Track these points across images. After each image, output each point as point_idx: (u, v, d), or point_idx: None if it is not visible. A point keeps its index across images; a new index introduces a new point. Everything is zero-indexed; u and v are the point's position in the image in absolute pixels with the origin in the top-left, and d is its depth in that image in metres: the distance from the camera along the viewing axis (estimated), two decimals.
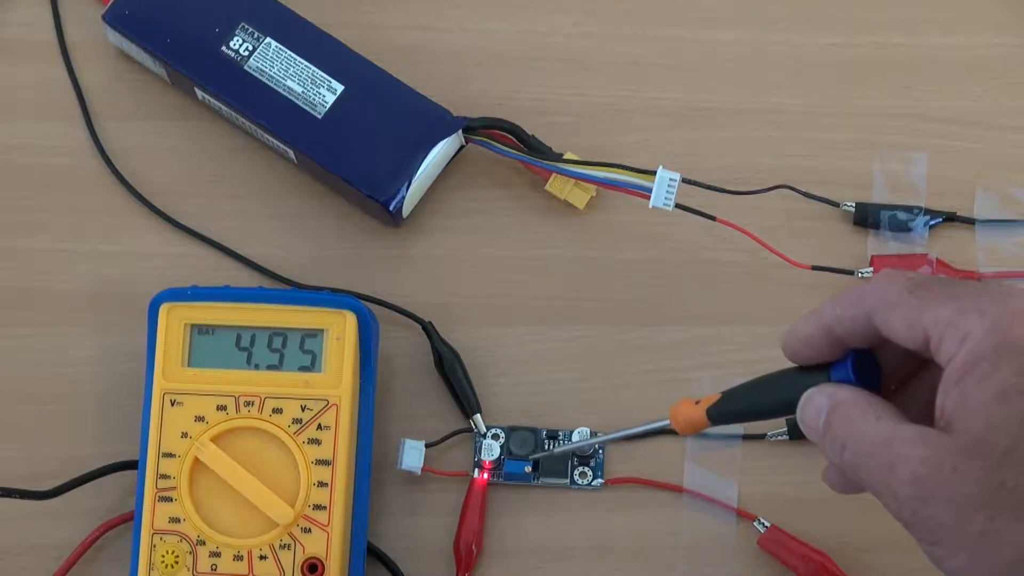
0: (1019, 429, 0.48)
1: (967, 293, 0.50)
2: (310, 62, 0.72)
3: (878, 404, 0.52)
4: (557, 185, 0.72)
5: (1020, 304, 0.49)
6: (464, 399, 0.71)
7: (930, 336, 0.50)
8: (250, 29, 0.73)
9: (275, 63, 0.72)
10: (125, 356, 0.71)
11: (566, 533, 0.70)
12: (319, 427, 0.67)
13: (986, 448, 0.48)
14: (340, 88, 0.72)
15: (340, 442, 0.67)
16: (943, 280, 0.52)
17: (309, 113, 0.72)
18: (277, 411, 0.67)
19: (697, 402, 0.59)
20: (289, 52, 0.72)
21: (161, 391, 0.67)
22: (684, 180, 0.69)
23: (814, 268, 0.71)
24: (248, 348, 0.68)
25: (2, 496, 0.67)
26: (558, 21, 0.76)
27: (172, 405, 0.67)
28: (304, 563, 0.66)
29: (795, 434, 0.69)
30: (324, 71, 0.72)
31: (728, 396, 0.58)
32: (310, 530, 0.66)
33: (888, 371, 0.55)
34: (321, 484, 0.66)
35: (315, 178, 0.74)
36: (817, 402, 0.53)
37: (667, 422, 0.60)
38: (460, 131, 0.72)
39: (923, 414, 0.52)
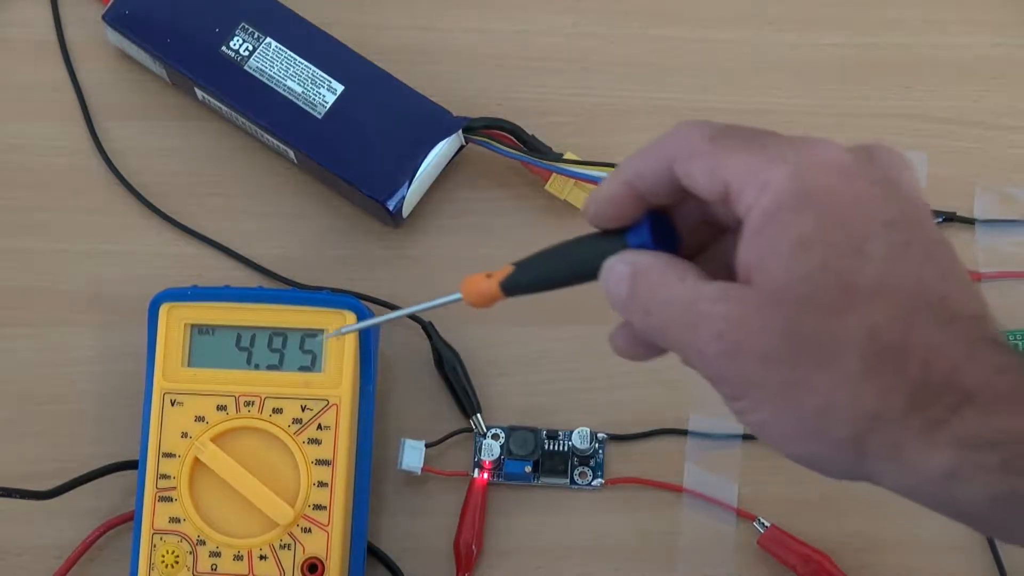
0: (819, 277, 0.47)
1: (769, 141, 0.49)
2: (310, 62, 0.72)
3: (679, 265, 0.50)
4: (557, 185, 0.72)
5: (822, 152, 0.48)
6: (464, 399, 0.71)
7: (730, 185, 0.48)
8: (250, 29, 0.73)
9: (275, 63, 0.72)
10: (125, 356, 0.71)
11: (566, 533, 0.70)
12: (319, 427, 0.67)
13: (787, 298, 0.47)
14: (340, 88, 0.72)
15: (340, 442, 0.67)
16: (744, 128, 0.50)
17: (309, 113, 0.72)
18: (277, 411, 0.67)
19: (489, 275, 0.55)
20: (289, 52, 0.72)
21: (161, 391, 0.67)
22: None
23: None
24: (248, 348, 0.68)
25: (2, 496, 0.67)
26: (558, 21, 0.76)
27: (172, 405, 0.67)
28: (304, 563, 0.66)
29: None
30: (324, 71, 0.72)
31: (522, 266, 0.55)
32: (310, 530, 0.66)
33: (688, 236, 0.53)
34: (321, 484, 0.66)
35: (315, 178, 0.74)
36: (619, 271, 0.51)
37: (458, 296, 0.56)
38: (460, 131, 0.72)
39: (727, 277, 0.50)
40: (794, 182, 0.47)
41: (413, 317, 0.71)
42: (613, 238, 0.52)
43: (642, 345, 0.53)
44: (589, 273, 0.53)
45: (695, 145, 0.50)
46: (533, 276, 0.54)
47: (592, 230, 0.53)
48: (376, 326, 0.66)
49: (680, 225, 0.53)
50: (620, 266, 0.51)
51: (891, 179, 0.49)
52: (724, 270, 0.50)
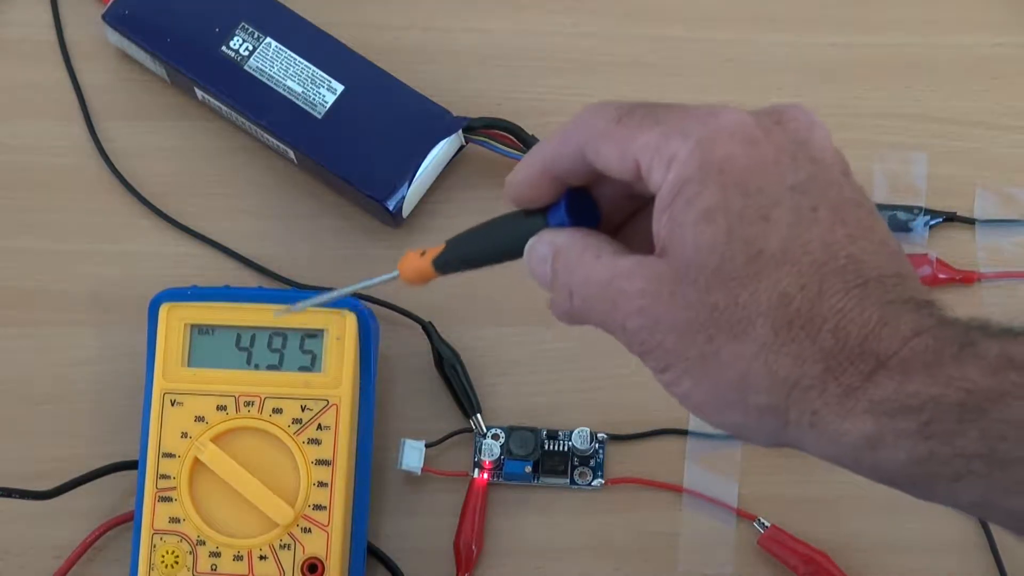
0: (726, 247, 0.47)
1: (672, 117, 0.49)
2: (310, 62, 0.72)
3: (596, 242, 0.51)
4: None
5: (722, 122, 0.48)
6: (464, 399, 0.71)
7: (640, 163, 0.49)
8: (250, 29, 0.73)
9: (275, 63, 0.72)
10: (125, 356, 0.71)
11: (566, 533, 0.70)
12: (319, 427, 0.67)
13: (696, 269, 0.47)
14: (340, 88, 0.72)
15: (340, 442, 0.67)
16: (649, 105, 0.50)
17: (309, 113, 0.72)
18: (277, 411, 0.67)
19: (423, 252, 0.56)
20: (289, 52, 0.72)
21: (161, 391, 0.67)
22: None
23: None
24: (248, 348, 0.68)
25: (2, 496, 0.67)
26: (558, 21, 0.76)
27: (172, 405, 0.67)
28: (304, 563, 0.66)
29: None
30: (324, 71, 0.72)
31: (452, 244, 0.55)
32: (310, 530, 0.66)
33: (610, 209, 0.53)
34: (321, 484, 0.66)
35: (315, 178, 0.74)
36: (540, 251, 0.52)
37: (395, 273, 0.57)
38: (460, 131, 0.72)
39: (651, 248, 0.50)
40: (697, 154, 0.47)
41: (413, 317, 0.71)
42: (535, 216, 0.53)
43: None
44: (515, 251, 0.53)
45: (602, 127, 0.50)
46: (462, 254, 0.55)
47: None
48: (321, 304, 0.65)
49: (603, 199, 0.53)
50: (540, 247, 0.52)
51: (800, 141, 0.49)
52: (649, 241, 0.50)
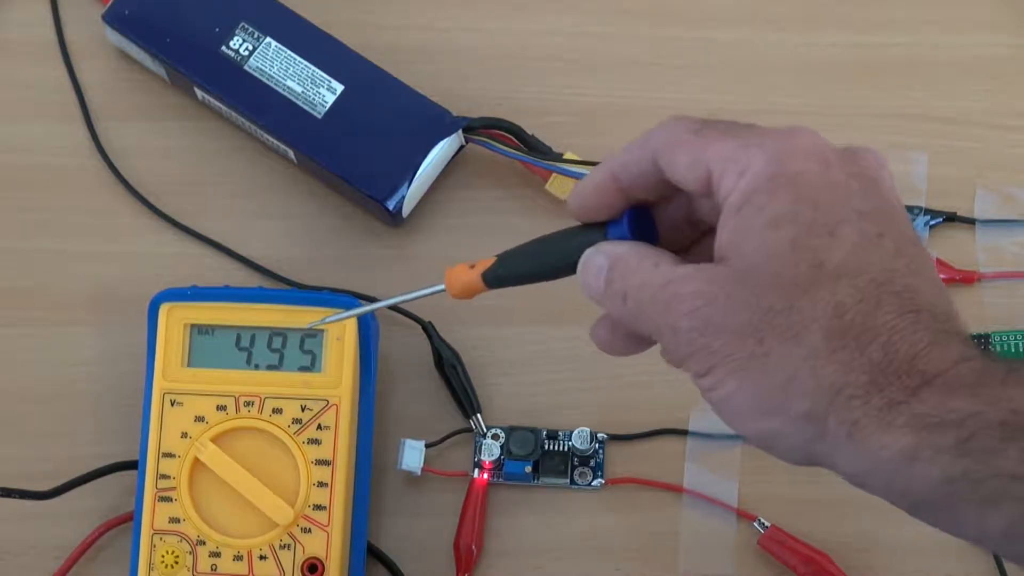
0: (789, 255, 0.48)
1: (750, 131, 0.50)
2: (310, 62, 0.72)
3: (656, 253, 0.51)
4: (557, 185, 0.72)
5: (799, 141, 0.49)
6: (464, 399, 0.71)
7: (712, 172, 0.49)
8: (250, 29, 0.73)
9: (275, 63, 0.72)
10: (125, 356, 0.71)
11: (566, 533, 0.70)
12: (319, 427, 0.67)
13: (756, 273, 0.48)
14: (340, 88, 0.72)
15: (340, 442, 0.67)
16: (728, 121, 0.51)
17: (309, 113, 0.72)
18: (277, 411, 0.67)
19: (472, 266, 0.56)
20: (289, 52, 0.72)
21: (161, 391, 0.67)
22: None
23: None
24: (248, 348, 0.68)
25: (2, 496, 0.67)
26: (558, 21, 0.76)
27: (172, 405, 0.67)
28: (304, 563, 0.66)
29: None
30: (324, 71, 0.72)
31: (504, 258, 0.55)
32: (310, 530, 0.66)
33: (670, 233, 0.54)
34: (321, 484, 0.66)
35: (315, 178, 0.74)
36: (597, 262, 0.52)
37: (442, 286, 0.56)
38: (460, 131, 0.72)
39: None
40: (771, 166, 0.49)
41: (413, 317, 0.71)
42: (594, 231, 0.53)
43: (621, 337, 0.54)
44: (570, 265, 0.53)
45: (679, 136, 0.51)
46: (514, 268, 0.55)
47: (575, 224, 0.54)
48: (362, 315, 0.66)
49: (665, 223, 0.54)
50: (597, 258, 0.52)
51: (871, 177, 0.50)
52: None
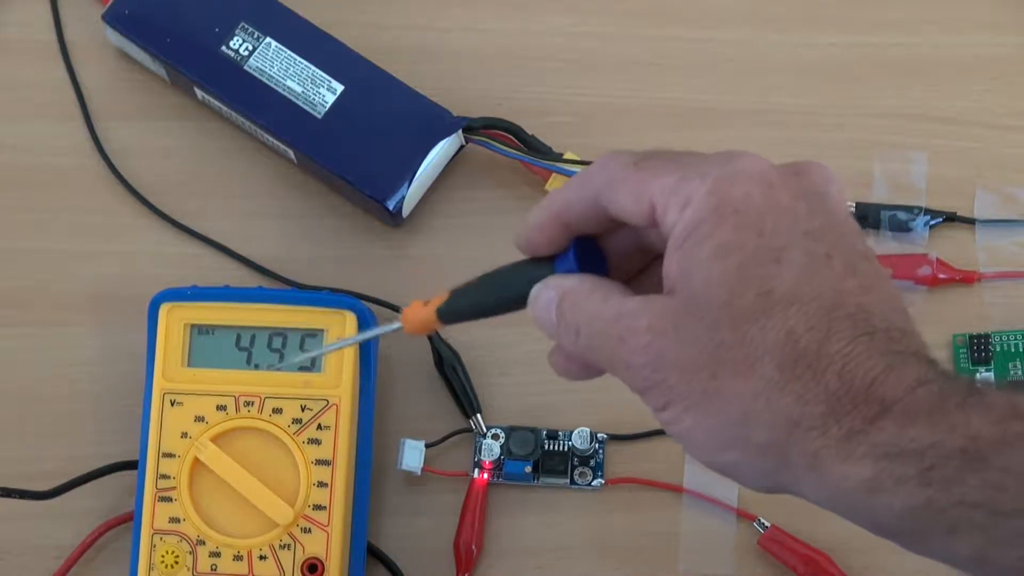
0: (736, 284, 0.47)
1: (690, 161, 0.49)
2: (310, 62, 0.72)
3: (605, 286, 0.51)
4: (557, 185, 0.72)
5: (739, 164, 0.48)
6: (464, 399, 0.71)
7: (656, 206, 0.49)
8: (250, 29, 0.73)
9: (275, 63, 0.72)
10: (125, 356, 0.71)
11: (566, 533, 0.70)
12: (319, 427, 0.67)
13: (704, 305, 0.47)
14: (340, 88, 0.72)
15: (340, 442, 0.67)
16: (667, 152, 0.51)
17: (309, 113, 0.72)
18: (277, 411, 0.67)
19: (427, 302, 0.56)
20: (289, 52, 0.72)
21: (161, 391, 0.67)
22: None
23: None
24: (248, 348, 0.68)
25: (2, 496, 0.67)
26: (558, 21, 0.76)
27: (172, 405, 0.67)
28: (304, 563, 0.66)
29: None
30: (324, 71, 0.72)
31: (457, 293, 0.55)
32: (310, 530, 0.66)
33: (619, 262, 0.54)
34: (321, 484, 0.66)
35: (315, 178, 0.74)
36: (546, 296, 0.52)
37: (398, 325, 0.57)
38: (460, 131, 0.72)
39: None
40: (713, 195, 0.48)
41: None
42: (542, 265, 0.53)
43: (577, 364, 0.53)
44: (520, 299, 0.53)
45: (619, 172, 0.50)
46: (466, 303, 0.55)
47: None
48: (317, 356, 0.67)
49: (612, 252, 0.53)
50: (546, 292, 0.52)
51: (817, 193, 0.49)
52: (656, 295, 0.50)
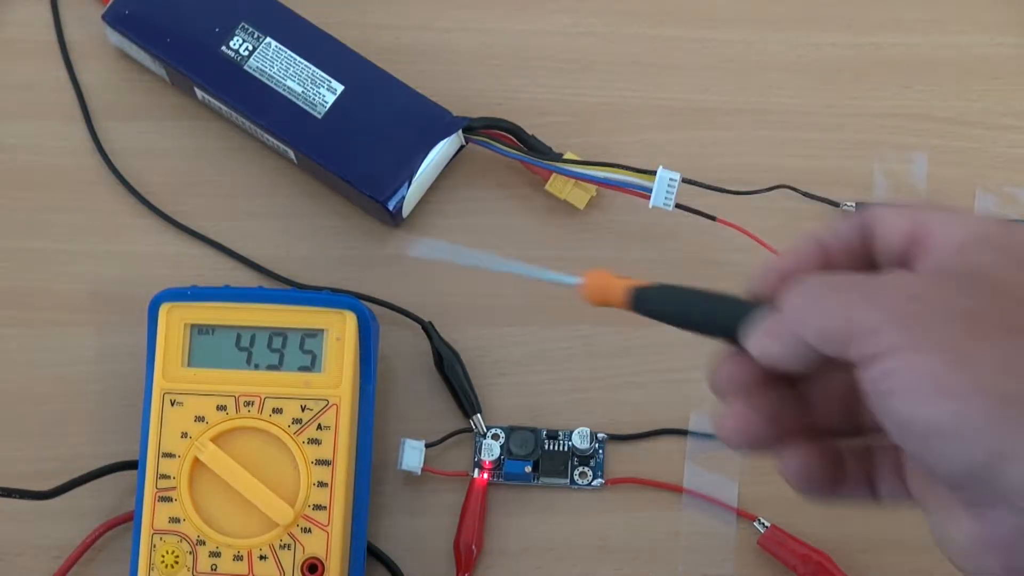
0: (1015, 273, 0.48)
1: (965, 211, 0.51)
2: (310, 62, 0.72)
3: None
4: (557, 185, 0.72)
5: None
6: (464, 399, 0.71)
7: (925, 226, 0.50)
8: (250, 29, 0.73)
9: (275, 63, 0.72)
10: (125, 356, 0.71)
11: (566, 533, 0.70)
12: (319, 427, 0.67)
13: (976, 276, 0.48)
14: (340, 88, 0.72)
15: (340, 442, 0.67)
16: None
17: (309, 113, 0.72)
18: (277, 411, 0.67)
19: (619, 276, 0.54)
20: (289, 52, 0.72)
21: (161, 391, 0.67)
22: (684, 180, 0.69)
23: None
24: (248, 348, 0.68)
25: (2, 496, 0.67)
26: (558, 21, 0.76)
27: (172, 405, 0.67)
28: (304, 563, 0.66)
29: None
30: (324, 71, 0.72)
31: (665, 289, 0.53)
32: (310, 530, 0.66)
33: (832, 408, 0.54)
34: (321, 484, 0.66)
35: (315, 178, 0.74)
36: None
37: (576, 279, 0.55)
38: (460, 131, 0.72)
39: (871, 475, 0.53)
40: (978, 226, 0.49)
41: (413, 317, 0.71)
42: (762, 305, 0.52)
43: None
44: (728, 331, 0.52)
45: (890, 208, 0.51)
46: (671, 305, 0.53)
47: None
48: (473, 266, 0.61)
49: (822, 398, 0.53)
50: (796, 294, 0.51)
51: None
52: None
